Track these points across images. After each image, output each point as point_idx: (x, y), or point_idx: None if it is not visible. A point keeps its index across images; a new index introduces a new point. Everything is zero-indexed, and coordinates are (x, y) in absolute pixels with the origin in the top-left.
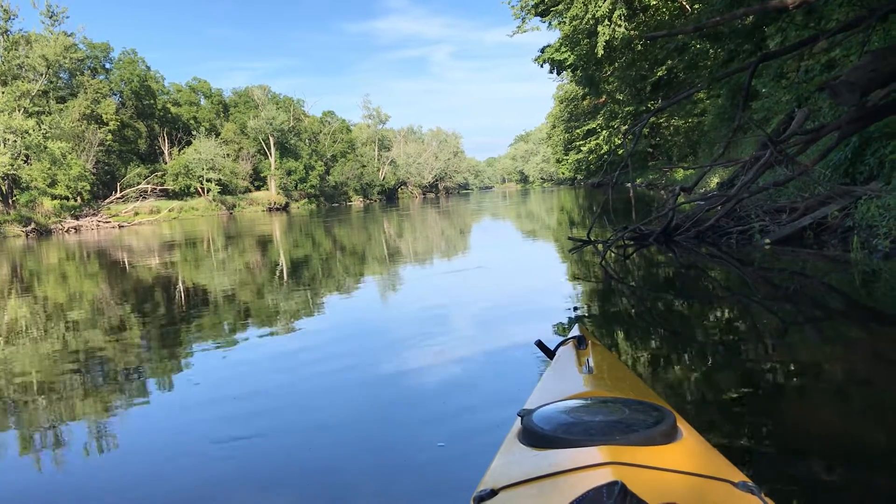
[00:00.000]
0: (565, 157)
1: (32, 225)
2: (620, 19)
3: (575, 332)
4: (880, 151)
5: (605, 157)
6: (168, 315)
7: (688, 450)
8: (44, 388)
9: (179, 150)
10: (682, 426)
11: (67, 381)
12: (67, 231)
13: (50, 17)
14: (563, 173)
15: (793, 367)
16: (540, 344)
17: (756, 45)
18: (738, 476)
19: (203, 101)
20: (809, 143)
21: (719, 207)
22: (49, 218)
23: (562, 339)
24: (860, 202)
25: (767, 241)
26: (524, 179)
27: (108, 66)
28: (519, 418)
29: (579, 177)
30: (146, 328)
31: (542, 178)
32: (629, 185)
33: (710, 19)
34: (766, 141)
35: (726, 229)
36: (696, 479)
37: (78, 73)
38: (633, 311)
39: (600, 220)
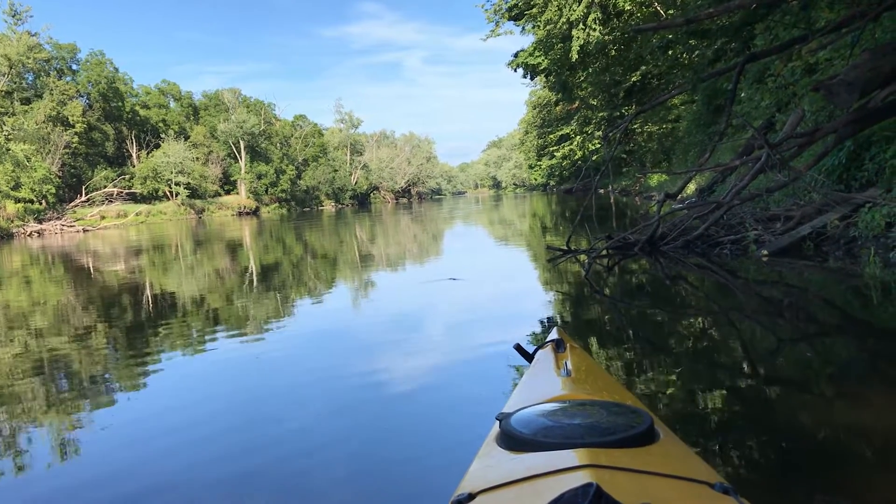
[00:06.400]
0: (538, 163)
1: None
2: (595, 23)
3: (553, 335)
4: (880, 156)
5: (579, 162)
6: (133, 322)
7: (665, 452)
8: (3, 394)
9: (148, 154)
10: (660, 428)
11: (28, 388)
12: (30, 235)
13: (13, 16)
14: (536, 179)
15: (776, 375)
16: (518, 347)
17: (744, 43)
18: (715, 477)
19: (172, 104)
20: (804, 147)
21: (696, 217)
22: (11, 222)
23: (540, 342)
24: (863, 210)
25: (765, 252)
26: (497, 185)
27: (74, 67)
28: (497, 422)
29: (552, 183)
30: (110, 335)
31: (514, 184)
32: (602, 191)
33: (702, 12)
34: (760, 144)
35: (717, 239)
36: (672, 480)
37: (43, 73)
38: (612, 318)
39: (579, 227)
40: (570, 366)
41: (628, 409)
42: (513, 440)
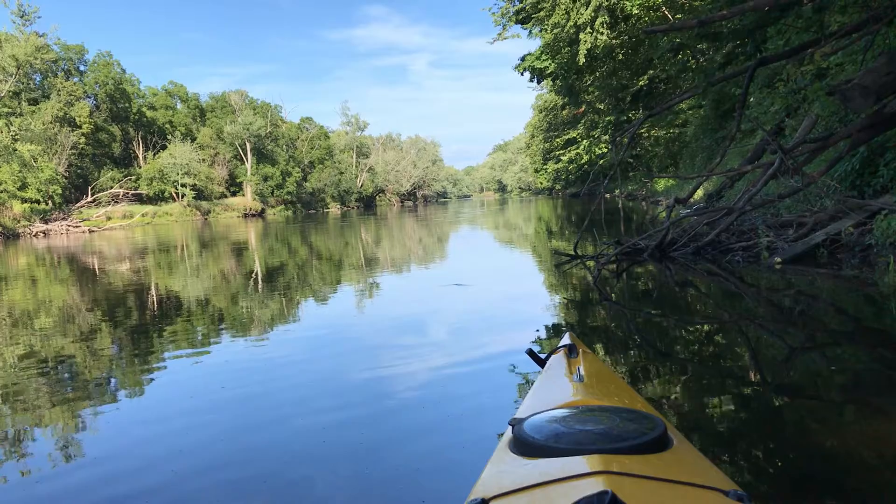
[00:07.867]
0: (544, 167)
1: None
2: (603, 27)
3: (566, 340)
4: (895, 162)
5: (586, 166)
6: (137, 324)
7: (678, 459)
8: (8, 394)
9: (154, 155)
10: (673, 435)
11: (34, 388)
12: (35, 235)
13: (21, 17)
14: (542, 183)
15: (788, 384)
16: (531, 353)
17: (756, 47)
18: (729, 485)
19: (179, 106)
20: (817, 152)
21: (706, 223)
22: (18, 222)
23: (553, 348)
24: (878, 217)
25: (778, 259)
26: (502, 189)
27: (82, 68)
28: (510, 427)
29: (558, 187)
30: (115, 336)
31: (520, 188)
32: (608, 195)
33: (715, 13)
34: (773, 149)
35: (728, 245)
36: (686, 487)
37: (51, 74)
38: (622, 324)
39: (586, 233)
40: (582, 371)
41: (641, 416)
42: (526, 446)
